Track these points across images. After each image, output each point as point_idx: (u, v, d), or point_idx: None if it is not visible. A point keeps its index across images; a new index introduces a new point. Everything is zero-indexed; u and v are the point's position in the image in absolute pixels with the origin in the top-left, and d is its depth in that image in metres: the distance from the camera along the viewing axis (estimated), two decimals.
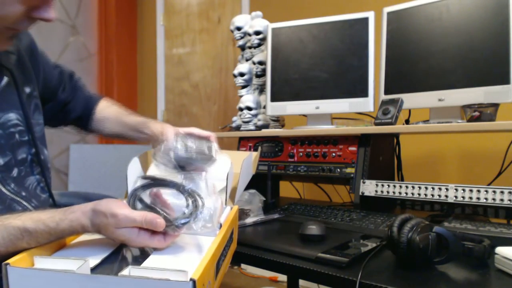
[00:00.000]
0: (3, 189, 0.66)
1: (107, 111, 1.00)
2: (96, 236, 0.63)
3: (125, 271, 0.46)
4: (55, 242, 0.57)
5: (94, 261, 0.52)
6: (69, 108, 0.96)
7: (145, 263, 0.52)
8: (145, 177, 0.64)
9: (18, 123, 0.72)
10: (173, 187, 0.61)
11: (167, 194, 0.61)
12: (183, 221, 0.56)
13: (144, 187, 0.62)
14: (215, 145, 0.75)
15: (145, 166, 0.77)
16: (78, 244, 0.60)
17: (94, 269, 0.51)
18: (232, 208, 0.76)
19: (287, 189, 1.63)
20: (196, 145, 0.69)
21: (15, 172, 0.69)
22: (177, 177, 0.64)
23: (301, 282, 1.75)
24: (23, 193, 0.70)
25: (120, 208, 0.55)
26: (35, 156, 0.74)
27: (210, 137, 0.84)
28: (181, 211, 0.59)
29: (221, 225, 0.65)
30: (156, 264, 0.52)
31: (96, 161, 2.78)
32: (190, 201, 0.59)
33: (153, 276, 0.44)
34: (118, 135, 0.98)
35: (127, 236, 0.54)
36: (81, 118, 0.99)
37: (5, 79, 0.71)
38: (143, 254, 0.57)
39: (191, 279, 0.44)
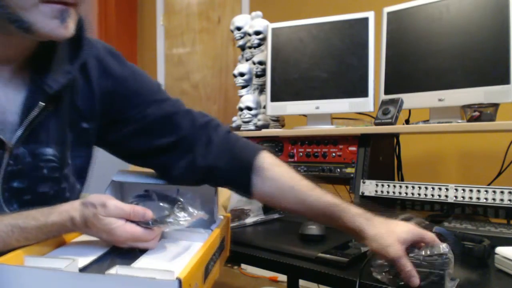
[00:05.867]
0: (6, 209, 0.63)
1: (276, 173, 0.69)
2: (87, 238, 0.63)
3: (113, 270, 0.47)
4: (47, 243, 0.57)
5: (84, 261, 0.53)
6: (194, 153, 0.71)
7: (134, 264, 0.54)
8: (145, 190, 0.66)
9: (52, 159, 0.65)
10: (163, 199, 0.63)
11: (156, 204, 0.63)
12: (162, 218, 0.59)
13: (138, 197, 0.64)
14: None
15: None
16: (70, 247, 0.61)
17: (83, 269, 0.52)
18: (224, 217, 0.76)
19: None
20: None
21: (27, 197, 0.64)
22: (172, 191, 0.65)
23: (301, 282, 1.74)
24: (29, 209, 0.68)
25: (110, 199, 0.57)
26: (58, 192, 0.67)
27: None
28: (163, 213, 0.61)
29: (211, 231, 0.66)
30: (145, 265, 0.53)
31: (96, 161, 2.78)
32: (173, 207, 0.61)
33: (140, 275, 0.45)
34: (296, 211, 0.70)
35: (114, 225, 0.55)
36: (232, 180, 0.72)
37: (41, 104, 0.61)
38: (133, 257, 0.57)
39: (177, 278, 0.44)
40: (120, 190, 0.77)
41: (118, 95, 0.72)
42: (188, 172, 0.73)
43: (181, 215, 0.59)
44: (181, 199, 0.62)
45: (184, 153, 0.72)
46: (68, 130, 0.67)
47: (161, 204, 0.62)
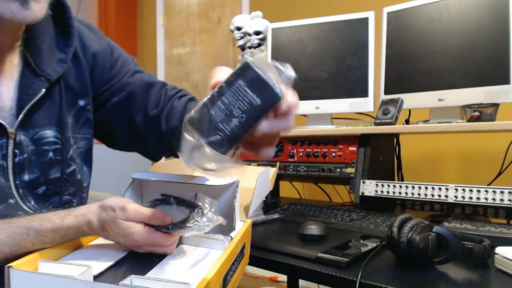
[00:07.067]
0: (24, 206, 0.64)
1: None
2: (104, 241, 0.62)
3: (127, 280, 0.46)
4: (64, 246, 0.56)
5: (99, 267, 0.52)
6: (159, 121, 0.75)
7: (149, 274, 0.52)
8: (163, 195, 0.63)
9: (55, 140, 0.66)
10: (182, 204, 0.61)
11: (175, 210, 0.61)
12: (181, 223, 0.56)
13: (155, 201, 0.62)
14: None
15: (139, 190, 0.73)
16: (86, 250, 0.60)
17: (98, 277, 0.51)
18: (245, 222, 0.73)
19: (287, 189, 1.63)
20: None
21: (41, 189, 0.66)
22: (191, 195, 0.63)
23: (301, 282, 1.75)
24: (44, 211, 0.67)
25: (129, 202, 0.55)
26: (69, 176, 0.69)
27: None
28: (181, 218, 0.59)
29: (231, 238, 0.63)
30: (161, 275, 0.52)
31: (96, 161, 2.78)
32: (191, 211, 0.59)
33: (155, 287, 0.44)
34: None
35: (133, 230, 0.54)
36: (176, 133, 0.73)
37: (43, 92, 0.64)
38: (150, 263, 0.56)
39: None
40: (140, 194, 0.74)
41: (97, 68, 0.74)
42: (158, 140, 0.76)
43: (201, 220, 0.56)
44: (200, 204, 0.59)
45: (155, 126, 0.75)
46: (66, 111, 0.68)
47: (179, 208, 0.60)
